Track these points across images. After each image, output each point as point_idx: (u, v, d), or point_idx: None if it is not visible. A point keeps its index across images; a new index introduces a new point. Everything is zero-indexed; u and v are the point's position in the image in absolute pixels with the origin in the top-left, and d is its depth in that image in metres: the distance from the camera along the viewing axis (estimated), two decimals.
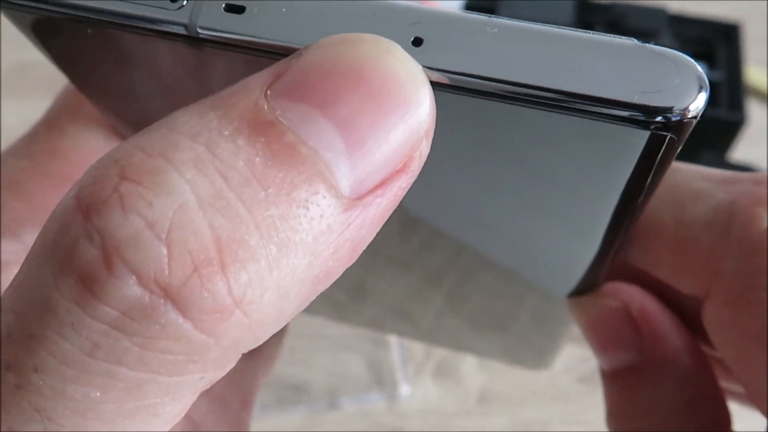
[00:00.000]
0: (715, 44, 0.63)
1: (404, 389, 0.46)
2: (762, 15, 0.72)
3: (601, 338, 0.18)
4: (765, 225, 0.13)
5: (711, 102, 0.59)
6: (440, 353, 0.48)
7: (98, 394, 0.10)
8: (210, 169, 0.10)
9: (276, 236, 0.10)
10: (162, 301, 0.10)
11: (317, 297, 0.12)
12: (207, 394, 0.19)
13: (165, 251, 0.10)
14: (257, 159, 0.10)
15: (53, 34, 0.15)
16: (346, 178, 0.11)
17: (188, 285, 0.10)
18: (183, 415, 0.12)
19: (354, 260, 0.12)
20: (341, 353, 0.47)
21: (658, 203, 0.15)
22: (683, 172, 0.15)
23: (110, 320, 0.10)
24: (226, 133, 0.10)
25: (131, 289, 0.10)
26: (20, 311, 0.10)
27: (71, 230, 0.10)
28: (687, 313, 0.18)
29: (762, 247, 0.13)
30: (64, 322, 0.10)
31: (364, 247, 0.12)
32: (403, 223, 0.20)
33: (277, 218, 0.10)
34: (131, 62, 0.15)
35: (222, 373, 0.12)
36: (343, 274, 0.12)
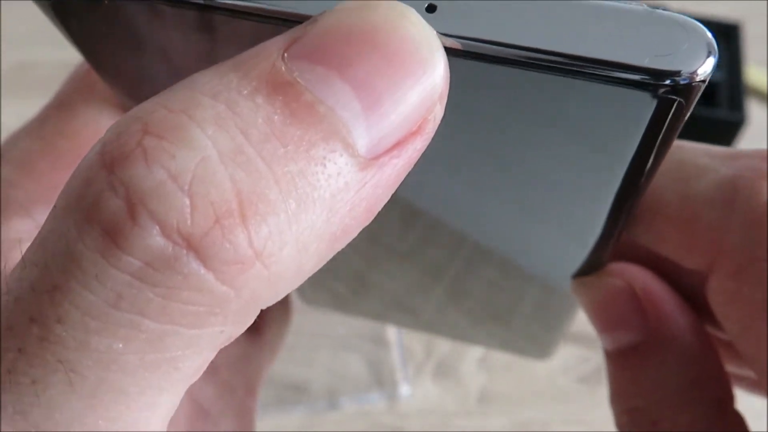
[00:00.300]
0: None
1: (404, 389, 0.46)
2: (762, 15, 0.72)
3: (605, 318, 0.18)
4: (767, 198, 0.13)
5: (711, 102, 0.59)
6: (440, 353, 0.48)
7: (121, 345, 0.10)
8: (230, 126, 0.11)
9: (294, 191, 0.11)
10: (184, 251, 0.10)
11: (319, 288, 0.12)
12: (214, 380, 0.20)
13: (188, 202, 0.10)
14: (276, 117, 0.11)
15: (71, 9, 0.15)
16: (362, 138, 0.11)
17: (210, 235, 0.10)
18: (201, 372, 0.12)
19: (370, 220, 0.12)
20: (341, 353, 0.47)
21: (662, 180, 0.15)
22: (687, 150, 0.15)
23: (134, 271, 0.10)
24: (245, 92, 0.11)
25: (154, 239, 0.10)
26: (44, 264, 0.11)
27: (95, 184, 0.10)
28: (691, 293, 0.18)
29: (764, 219, 0.13)
30: (88, 273, 0.10)
31: (380, 208, 0.12)
32: (404, 213, 0.20)
33: (295, 174, 0.11)
34: (147, 37, 0.15)
35: (241, 329, 0.12)
36: (344, 267, 0.12)
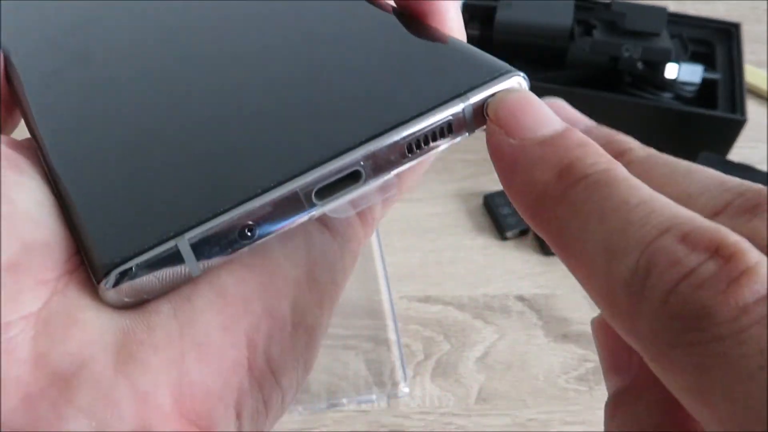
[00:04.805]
0: (715, 44, 0.63)
1: (404, 389, 0.46)
2: (762, 15, 0.72)
3: (607, 359, 0.18)
4: (671, 287, 0.13)
5: (710, 102, 0.59)
6: (440, 353, 0.48)
7: None
8: None
9: None
10: None
11: None
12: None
13: None
14: None
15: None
16: None
17: None
18: None
19: None
20: (341, 353, 0.47)
21: (591, 249, 0.14)
22: (623, 215, 0.14)
23: None
24: None
25: None
26: None
27: None
28: None
29: (671, 309, 0.13)
30: None
31: None
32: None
33: None
34: None
35: None
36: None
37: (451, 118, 0.17)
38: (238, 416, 0.16)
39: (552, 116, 0.16)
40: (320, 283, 0.19)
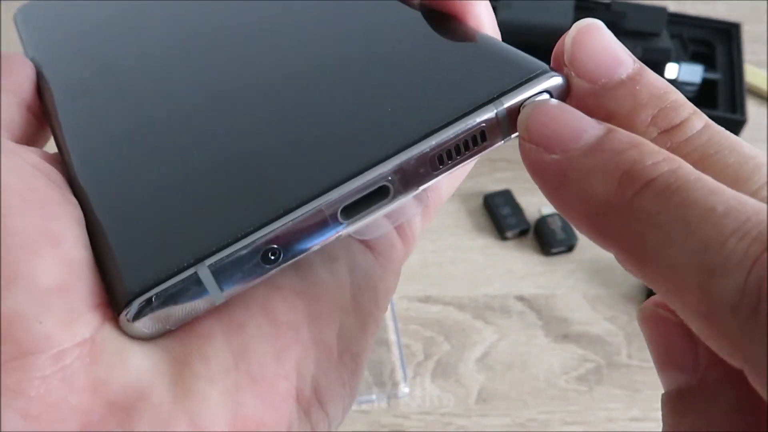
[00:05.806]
0: (715, 44, 0.63)
1: (404, 389, 0.46)
2: (762, 15, 0.72)
3: (661, 353, 0.17)
4: None
5: (711, 102, 0.59)
6: (440, 353, 0.48)
7: None
8: None
9: None
10: None
11: None
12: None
13: None
14: None
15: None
16: None
17: None
18: None
19: None
20: None
21: (684, 263, 0.13)
22: (713, 226, 0.12)
23: None
24: None
25: None
26: None
27: None
28: None
29: None
30: None
31: None
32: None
33: None
34: None
35: None
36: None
37: (483, 125, 0.16)
38: None
39: (588, 120, 0.15)
40: (364, 307, 0.18)
